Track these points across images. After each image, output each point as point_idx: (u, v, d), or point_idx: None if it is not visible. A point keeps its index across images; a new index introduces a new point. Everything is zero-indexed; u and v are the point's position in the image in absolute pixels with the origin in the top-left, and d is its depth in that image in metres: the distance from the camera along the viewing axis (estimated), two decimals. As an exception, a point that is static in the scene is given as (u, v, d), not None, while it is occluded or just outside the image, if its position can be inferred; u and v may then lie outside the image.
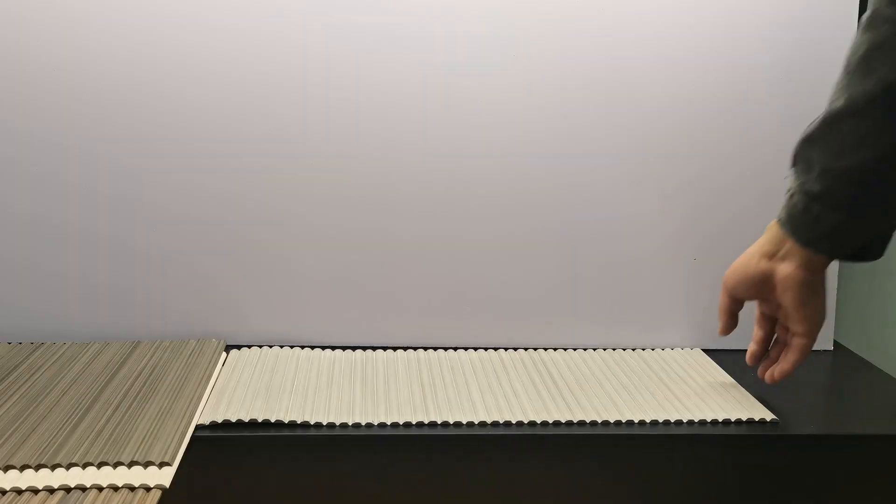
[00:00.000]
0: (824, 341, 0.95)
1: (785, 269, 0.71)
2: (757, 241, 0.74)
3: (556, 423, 0.74)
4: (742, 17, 0.89)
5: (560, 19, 0.88)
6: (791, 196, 0.69)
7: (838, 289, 0.95)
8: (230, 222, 0.89)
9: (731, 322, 0.79)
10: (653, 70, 0.89)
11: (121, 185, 0.88)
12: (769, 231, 0.72)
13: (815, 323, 0.73)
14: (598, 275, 0.93)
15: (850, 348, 0.96)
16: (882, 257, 0.70)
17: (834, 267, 0.94)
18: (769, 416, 0.76)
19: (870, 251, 0.69)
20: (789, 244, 0.70)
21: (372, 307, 0.92)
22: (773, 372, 0.77)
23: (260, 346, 0.90)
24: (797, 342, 0.74)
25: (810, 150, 0.66)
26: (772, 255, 0.72)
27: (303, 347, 0.90)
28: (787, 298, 0.72)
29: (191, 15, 0.85)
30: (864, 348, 0.96)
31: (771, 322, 0.78)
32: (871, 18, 0.61)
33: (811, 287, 0.71)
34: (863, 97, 0.61)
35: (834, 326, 0.95)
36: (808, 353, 0.74)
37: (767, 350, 0.79)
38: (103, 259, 0.89)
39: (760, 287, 0.74)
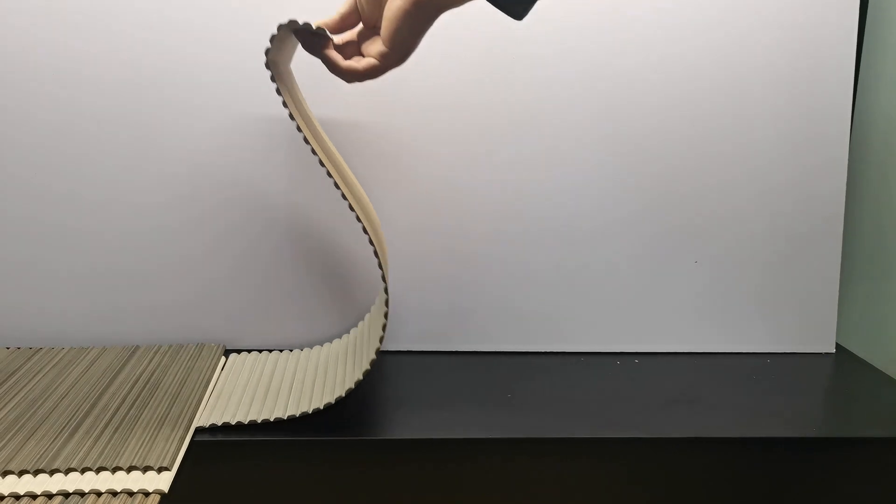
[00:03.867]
0: (826, 343, 0.95)
1: (402, 13, 0.62)
2: None
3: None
4: (742, 17, 0.89)
5: (559, 20, 0.88)
6: None
7: (840, 291, 0.95)
8: (228, 226, 0.89)
9: (335, 24, 0.68)
10: (652, 70, 0.89)
11: (119, 190, 0.87)
12: None
13: (397, 51, 0.65)
14: (600, 277, 0.93)
15: (852, 351, 0.96)
16: (522, 21, 0.63)
17: (836, 268, 0.94)
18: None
19: (513, 7, 0.62)
20: None
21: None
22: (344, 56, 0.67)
23: (259, 351, 0.90)
24: (369, 62, 0.66)
25: None
26: None
27: (301, 349, 0.90)
28: (390, 9, 0.63)
29: (182, 21, 0.85)
30: (866, 351, 0.96)
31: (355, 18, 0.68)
32: None
33: (421, 14, 0.63)
34: None
35: (836, 329, 0.95)
36: (368, 77, 0.66)
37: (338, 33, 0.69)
38: (102, 263, 0.89)
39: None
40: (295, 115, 0.68)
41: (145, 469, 0.65)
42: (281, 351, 0.90)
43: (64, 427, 0.71)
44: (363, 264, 0.91)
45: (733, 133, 0.91)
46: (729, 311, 0.94)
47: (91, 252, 0.88)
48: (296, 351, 0.90)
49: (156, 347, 0.89)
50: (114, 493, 0.62)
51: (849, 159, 0.93)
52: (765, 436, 0.74)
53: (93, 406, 0.75)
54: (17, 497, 0.62)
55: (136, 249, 0.89)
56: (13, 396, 0.77)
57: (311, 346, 0.91)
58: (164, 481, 0.64)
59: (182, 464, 0.67)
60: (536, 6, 0.83)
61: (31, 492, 0.62)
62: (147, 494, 0.62)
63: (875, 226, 0.96)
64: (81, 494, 0.62)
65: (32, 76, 0.85)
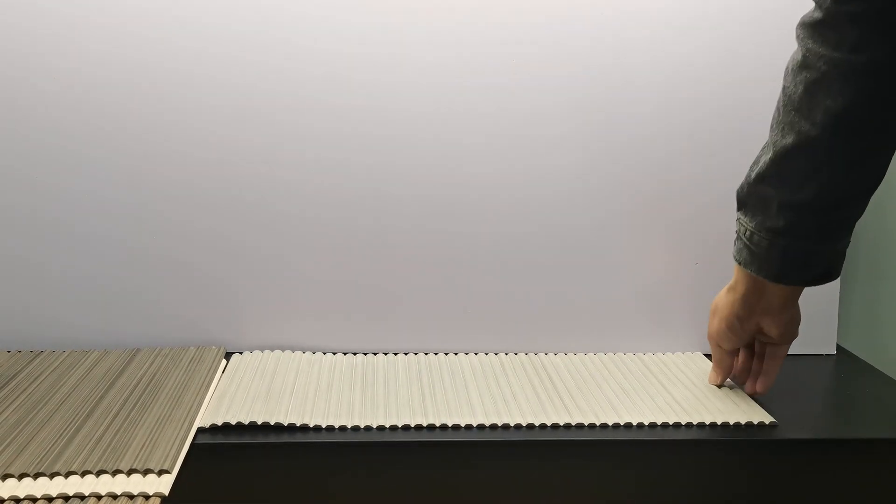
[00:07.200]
0: (827, 345, 0.95)
1: (771, 320, 0.75)
2: (731, 290, 0.76)
3: (555, 427, 0.74)
4: (743, 19, 0.89)
5: (559, 19, 0.88)
6: (749, 236, 0.71)
7: (841, 292, 0.95)
8: (229, 228, 0.89)
9: (726, 374, 0.82)
10: (654, 71, 0.89)
11: (121, 194, 0.87)
12: (738, 275, 0.74)
13: (793, 334, 0.78)
14: (599, 278, 0.93)
15: (853, 352, 0.96)
16: (840, 275, 0.73)
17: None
18: (768, 419, 0.76)
19: (832, 272, 0.71)
20: (766, 285, 0.72)
21: (371, 312, 0.91)
22: (756, 386, 0.79)
23: (262, 351, 0.90)
24: (777, 350, 0.78)
25: (764, 189, 0.68)
26: (755, 304, 0.74)
27: (304, 352, 0.90)
28: (772, 332, 0.76)
29: (186, 19, 0.85)
30: (867, 352, 0.96)
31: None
32: (804, 59, 0.65)
33: (788, 308, 0.74)
34: (812, 129, 0.64)
35: (837, 330, 0.95)
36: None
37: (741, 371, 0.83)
38: (103, 267, 0.89)
39: (754, 338, 0.79)
40: None
41: (146, 472, 0.65)
42: (283, 351, 0.90)
43: (64, 430, 0.71)
44: (364, 267, 0.91)
45: (733, 134, 0.91)
46: (730, 313, 0.94)
47: (92, 255, 0.88)
48: (297, 352, 0.90)
49: (156, 350, 0.89)
50: (114, 497, 0.62)
51: (849, 160, 0.93)
52: (766, 438, 0.74)
53: (93, 409, 0.75)
54: (18, 501, 0.62)
55: (138, 252, 0.89)
56: (14, 399, 0.77)
57: (312, 350, 0.91)
58: (164, 484, 0.64)
59: (183, 467, 0.67)
60: (540, 4, 0.84)
61: (32, 495, 0.62)
62: (147, 497, 0.62)
63: (876, 227, 0.96)
64: (82, 498, 0.62)
65: (34, 76, 0.85)
